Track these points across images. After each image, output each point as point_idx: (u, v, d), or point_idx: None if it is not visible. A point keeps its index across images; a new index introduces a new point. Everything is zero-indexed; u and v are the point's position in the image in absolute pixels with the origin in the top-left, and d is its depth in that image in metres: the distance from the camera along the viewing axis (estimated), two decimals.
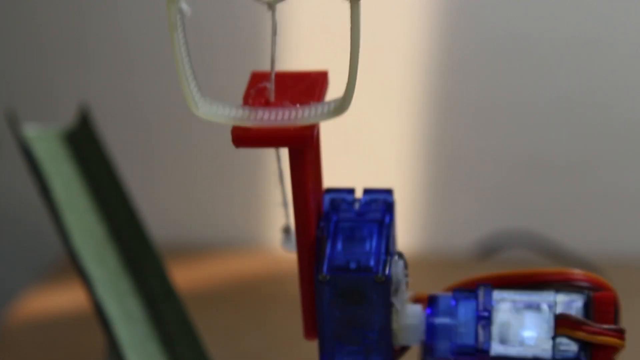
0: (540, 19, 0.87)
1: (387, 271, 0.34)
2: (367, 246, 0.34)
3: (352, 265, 0.33)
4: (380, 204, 0.37)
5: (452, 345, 0.34)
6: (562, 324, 0.34)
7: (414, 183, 0.91)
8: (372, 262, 0.34)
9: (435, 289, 0.39)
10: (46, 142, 0.43)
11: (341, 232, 0.35)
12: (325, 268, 0.33)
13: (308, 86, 0.33)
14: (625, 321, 0.40)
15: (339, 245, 0.34)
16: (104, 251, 0.42)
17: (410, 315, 0.35)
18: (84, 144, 0.44)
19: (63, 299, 0.75)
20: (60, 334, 0.68)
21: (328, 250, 0.34)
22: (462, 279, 0.36)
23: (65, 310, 0.73)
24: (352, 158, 0.91)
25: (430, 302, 0.35)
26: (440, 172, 0.91)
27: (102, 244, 0.42)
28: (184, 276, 0.81)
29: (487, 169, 0.90)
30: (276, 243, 0.95)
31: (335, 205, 0.36)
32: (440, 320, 0.35)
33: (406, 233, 0.91)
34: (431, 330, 0.34)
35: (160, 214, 0.92)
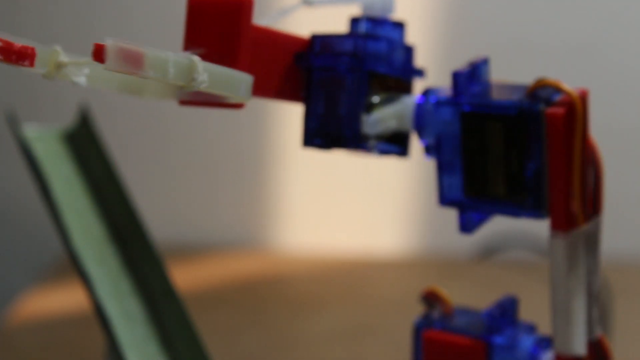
0: (540, 25, 0.87)
1: None
2: None
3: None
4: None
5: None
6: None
7: (414, 183, 0.91)
8: None
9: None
10: (46, 142, 0.43)
11: None
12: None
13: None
14: (625, 321, 0.40)
15: None
16: (104, 251, 0.42)
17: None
18: (84, 144, 0.44)
19: (63, 299, 0.75)
20: (60, 334, 0.68)
21: None
22: None
23: (65, 310, 0.73)
24: (354, 158, 0.91)
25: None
26: None
27: (102, 244, 0.42)
28: (184, 276, 0.81)
29: None
30: (276, 243, 0.95)
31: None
32: None
33: (406, 233, 0.91)
34: None
35: (160, 214, 0.92)
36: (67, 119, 0.47)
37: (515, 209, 0.33)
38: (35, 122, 0.46)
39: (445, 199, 0.34)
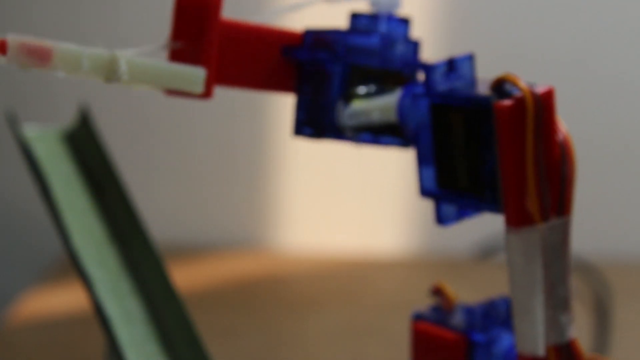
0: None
1: None
2: None
3: None
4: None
5: None
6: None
7: (414, 183, 0.91)
8: None
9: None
10: (46, 142, 0.43)
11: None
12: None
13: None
14: (625, 321, 0.40)
15: None
16: (104, 251, 0.42)
17: None
18: (84, 144, 0.44)
19: (63, 299, 0.75)
20: (60, 334, 0.68)
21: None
22: None
23: (65, 310, 0.73)
24: (354, 158, 0.91)
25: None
26: None
27: (102, 244, 0.42)
28: (184, 276, 0.81)
29: None
30: (276, 243, 0.95)
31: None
32: None
33: (406, 233, 0.91)
34: None
35: (160, 214, 0.92)
36: (67, 119, 0.47)
37: (476, 203, 0.33)
38: (35, 122, 0.46)
39: (423, 190, 0.35)
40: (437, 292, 0.38)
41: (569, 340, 0.32)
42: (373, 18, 0.36)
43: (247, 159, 0.92)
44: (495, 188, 0.32)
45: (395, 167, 0.91)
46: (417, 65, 0.37)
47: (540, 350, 0.32)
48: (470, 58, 0.34)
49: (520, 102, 0.30)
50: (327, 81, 0.36)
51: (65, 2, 0.90)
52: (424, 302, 0.41)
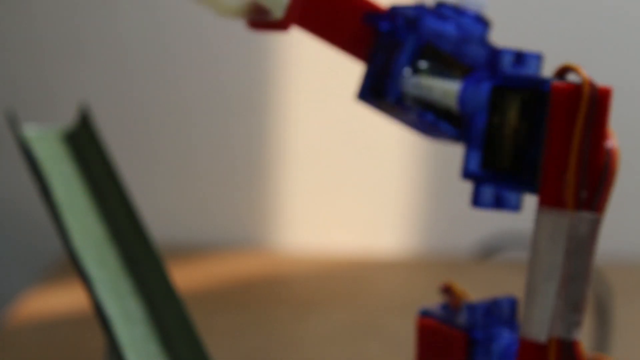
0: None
1: None
2: None
3: None
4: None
5: None
6: None
7: (414, 183, 0.91)
8: None
9: (435, 289, 0.39)
10: (46, 142, 0.43)
11: None
12: None
13: None
14: (625, 321, 0.40)
15: None
16: (104, 251, 0.42)
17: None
18: (84, 144, 0.44)
19: (63, 299, 0.75)
20: (60, 334, 0.68)
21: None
22: None
23: (65, 310, 0.73)
24: (354, 158, 0.91)
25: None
26: (440, 172, 0.91)
27: (102, 244, 0.42)
28: (184, 276, 0.81)
29: None
30: (276, 243, 0.95)
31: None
32: None
33: (406, 233, 0.91)
34: None
35: (160, 214, 0.92)
36: (67, 119, 0.47)
37: (515, 182, 0.34)
38: (35, 122, 0.46)
39: (466, 172, 0.36)
40: (447, 290, 0.38)
41: (573, 340, 0.33)
42: (457, 11, 0.39)
43: (247, 159, 0.92)
44: (536, 170, 0.33)
45: (396, 167, 0.91)
46: (497, 69, 0.39)
47: (543, 337, 0.32)
48: (538, 57, 0.36)
49: (577, 89, 0.32)
50: (400, 49, 0.38)
51: (65, 2, 0.90)
52: (424, 302, 0.41)
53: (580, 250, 0.32)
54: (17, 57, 0.90)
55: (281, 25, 0.37)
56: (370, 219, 0.92)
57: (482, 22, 0.39)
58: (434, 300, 0.39)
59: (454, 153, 0.89)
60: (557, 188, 0.32)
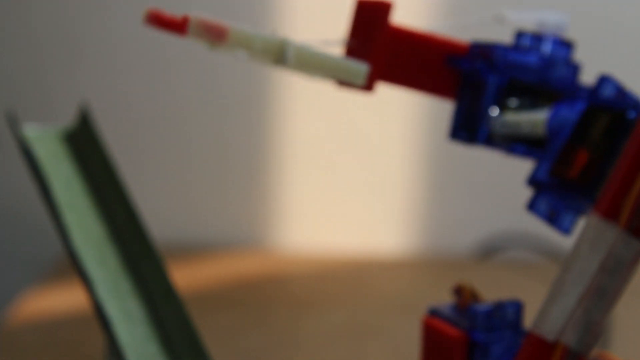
0: None
1: None
2: None
3: None
4: None
5: None
6: None
7: (414, 183, 0.91)
8: None
9: (435, 289, 0.39)
10: (46, 142, 0.43)
11: None
12: None
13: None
14: (625, 321, 0.40)
15: None
16: (104, 251, 0.42)
17: None
18: (84, 144, 0.44)
19: (63, 299, 0.75)
20: (60, 334, 0.68)
21: None
22: None
23: (65, 310, 0.73)
24: (354, 158, 0.91)
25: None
26: (440, 172, 0.91)
27: (102, 244, 0.42)
28: (184, 276, 0.81)
29: (487, 170, 0.89)
30: (277, 243, 0.95)
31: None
32: None
33: (406, 233, 0.91)
34: None
35: (160, 214, 0.92)
36: (67, 119, 0.47)
37: (577, 192, 0.36)
38: (35, 122, 0.46)
39: (533, 179, 0.37)
40: (458, 290, 0.39)
41: (580, 354, 0.33)
42: (537, 38, 0.39)
43: (247, 159, 0.92)
44: (600, 185, 0.35)
45: (396, 167, 0.91)
46: (575, 87, 0.39)
47: (552, 336, 0.33)
48: (636, 97, 0.37)
49: None
50: (484, 90, 0.38)
51: (65, 2, 0.90)
52: (423, 302, 0.41)
53: (615, 271, 0.32)
54: (17, 57, 0.90)
55: (367, 87, 0.38)
56: (370, 219, 0.92)
57: (565, 45, 0.39)
58: (433, 301, 0.39)
59: (454, 153, 0.89)
60: (615, 203, 0.32)
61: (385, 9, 0.38)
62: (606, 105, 0.36)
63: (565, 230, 0.38)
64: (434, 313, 0.39)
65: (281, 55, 0.34)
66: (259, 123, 0.91)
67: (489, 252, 0.83)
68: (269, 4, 0.89)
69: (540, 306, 0.33)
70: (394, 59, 0.39)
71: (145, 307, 0.41)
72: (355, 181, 0.92)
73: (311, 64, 0.35)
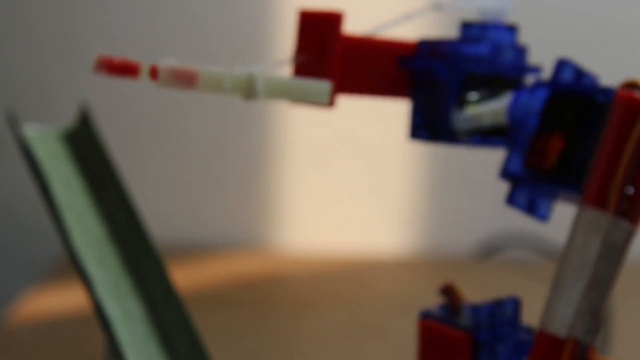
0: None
1: None
2: None
3: None
4: None
5: None
6: None
7: (414, 183, 0.91)
8: None
9: (435, 289, 0.39)
10: (46, 142, 0.43)
11: None
12: None
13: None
14: (624, 321, 0.40)
15: None
16: (104, 251, 0.42)
17: None
18: (84, 144, 0.44)
19: (63, 299, 0.75)
20: (60, 334, 0.68)
21: None
22: None
23: (65, 310, 0.73)
24: (354, 158, 0.91)
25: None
26: (440, 172, 0.91)
27: (102, 244, 0.42)
28: (184, 276, 0.81)
29: (487, 170, 0.89)
30: (277, 243, 0.95)
31: None
32: None
33: (406, 233, 0.91)
34: None
35: (160, 214, 0.92)
36: (67, 119, 0.47)
37: (559, 183, 0.35)
38: (35, 122, 0.46)
39: (505, 172, 0.37)
40: (446, 290, 0.38)
41: (588, 344, 0.33)
42: (482, 27, 0.39)
43: (247, 159, 0.92)
44: (582, 172, 0.34)
45: (396, 166, 0.91)
46: (524, 69, 0.39)
47: (563, 332, 0.33)
48: (595, 78, 0.36)
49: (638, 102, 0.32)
50: (443, 89, 0.38)
51: (65, 2, 0.90)
52: (424, 302, 0.41)
53: (610, 257, 0.33)
54: (17, 57, 0.90)
55: (328, 105, 0.37)
56: (370, 219, 0.92)
57: (509, 29, 0.39)
58: (434, 300, 0.39)
59: (454, 153, 0.89)
60: (602, 191, 0.33)
61: (337, 20, 0.37)
62: (572, 90, 0.35)
63: (543, 217, 0.38)
64: (427, 315, 0.39)
65: (251, 89, 0.34)
66: (259, 123, 0.91)
67: (489, 252, 0.83)
68: (269, 4, 0.90)
69: (545, 304, 0.33)
70: (348, 70, 0.38)
71: (145, 307, 0.41)
72: (355, 181, 0.92)
73: (280, 92, 0.35)
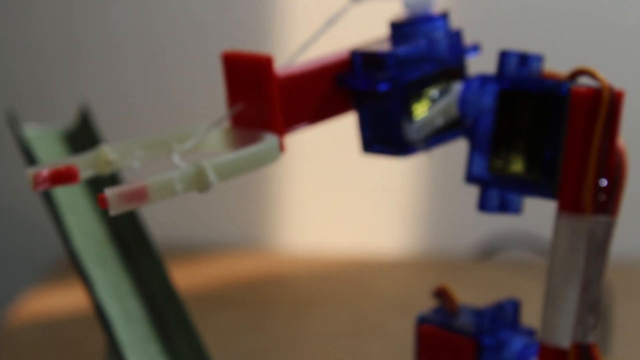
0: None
1: None
2: None
3: None
4: None
5: None
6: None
7: (414, 183, 0.91)
8: None
9: (435, 289, 0.39)
10: (46, 142, 0.43)
11: None
12: None
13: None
14: (624, 321, 0.40)
15: None
16: (104, 251, 0.42)
17: None
18: (84, 144, 0.44)
19: (63, 299, 0.75)
20: (60, 334, 0.68)
21: None
22: None
23: (65, 310, 0.73)
24: (354, 158, 0.91)
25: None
26: (440, 172, 0.91)
27: (102, 244, 0.42)
28: (184, 276, 0.81)
29: None
30: (277, 243, 0.95)
31: None
32: None
33: (406, 233, 0.91)
34: None
35: (160, 214, 0.92)
36: (67, 119, 0.47)
37: (530, 187, 0.34)
38: (35, 122, 0.46)
39: (470, 176, 0.36)
40: (440, 294, 0.38)
41: (590, 343, 0.33)
42: (414, 23, 0.37)
43: None
44: (553, 174, 0.33)
45: (396, 167, 0.91)
46: (462, 52, 0.37)
47: (566, 342, 0.32)
48: (540, 59, 0.35)
49: (597, 94, 0.32)
50: (388, 104, 0.36)
51: (65, 2, 0.90)
52: (424, 302, 0.41)
53: (597, 253, 0.32)
54: (17, 58, 0.90)
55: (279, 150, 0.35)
56: (370, 219, 0.92)
57: (440, 18, 0.37)
58: (434, 300, 0.39)
59: (454, 153, 0.89)
60: (577, 193, 0.32)
61: (268, 64, 0.34)
62: (524, 88, 0.34)
63: (516, 211, 0.37)
64: (424, 321, 0.38)
65: (204, 182, 0.34)
66: None
67: (489, 252, 0.83)
68: (269, 4, 0.90)
69: (543, 318, 0.33)
70: (289, 108, 0.36)
71: (145, 307, 0.41)
72: (355, 181, 0.92)
73: (233, 171, 0.34)
